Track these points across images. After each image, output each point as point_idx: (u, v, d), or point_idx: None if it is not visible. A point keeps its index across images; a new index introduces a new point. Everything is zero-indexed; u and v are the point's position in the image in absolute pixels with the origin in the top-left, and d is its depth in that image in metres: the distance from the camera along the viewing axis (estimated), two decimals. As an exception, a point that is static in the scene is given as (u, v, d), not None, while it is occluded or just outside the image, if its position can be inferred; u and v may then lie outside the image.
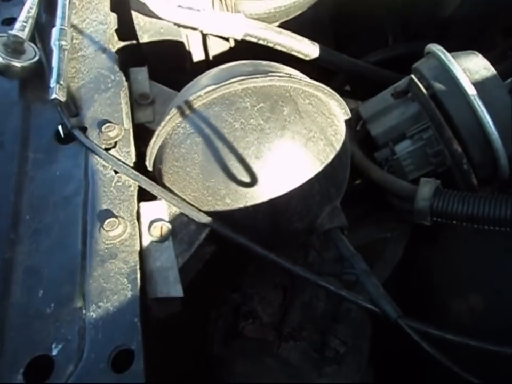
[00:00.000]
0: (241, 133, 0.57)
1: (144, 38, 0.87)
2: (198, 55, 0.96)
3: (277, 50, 0.91)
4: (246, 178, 0.58)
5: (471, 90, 0.69)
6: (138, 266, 0.54)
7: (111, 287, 0.53)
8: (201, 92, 0.59)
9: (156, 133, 0.62)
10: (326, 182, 0.62)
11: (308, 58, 0.93)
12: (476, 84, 0.69)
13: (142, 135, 0.71)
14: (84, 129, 0.68)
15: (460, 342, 0.55)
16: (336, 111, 0.65)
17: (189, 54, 0.95)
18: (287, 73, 0.61)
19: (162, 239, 0.59)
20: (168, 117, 0.61)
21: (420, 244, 0.88)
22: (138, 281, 0.53)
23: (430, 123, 0.72)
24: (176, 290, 0.56)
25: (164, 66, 0.86)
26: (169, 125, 0.62)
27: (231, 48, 0.97)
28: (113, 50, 0.79)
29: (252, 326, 0.74)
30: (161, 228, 0.60)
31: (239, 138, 0.57)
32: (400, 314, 0.54)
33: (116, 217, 0.58)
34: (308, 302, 0.74)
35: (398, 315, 0.54)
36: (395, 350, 0.79)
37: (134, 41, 0.88)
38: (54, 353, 0.50)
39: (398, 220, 0.87)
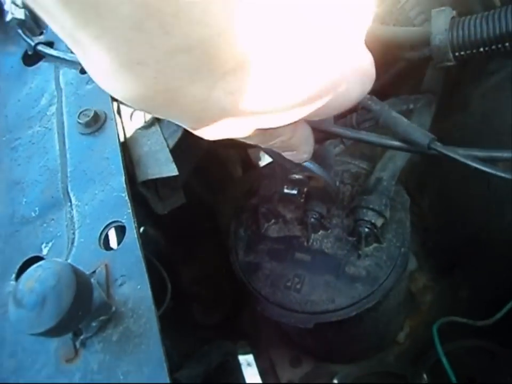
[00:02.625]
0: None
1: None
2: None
3: None
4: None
5: None
6: (120, 148, 0.48)
7: (94, 173, 0.47)
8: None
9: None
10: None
11: None
12: None
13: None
14: (50, 44, 0.63)
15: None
16: None
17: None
18: None
19: (147, 125, 0.53)
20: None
21: (450, 113, 0.77)
22: (121, 160, 0.46)
23: None
24: (170, 169, 0.49)
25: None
26: None
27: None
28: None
29: (276, 225, 0.66)
30: (144, 114, 0.53)
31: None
32: (433, 137, 0.44)
33: (91, 109, 0.52)
34: (333, 187, 0.65)
35: (430, 139, 0.44)
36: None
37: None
38: (45, 252, 0.45)
39: (421, 91, 0.76)
